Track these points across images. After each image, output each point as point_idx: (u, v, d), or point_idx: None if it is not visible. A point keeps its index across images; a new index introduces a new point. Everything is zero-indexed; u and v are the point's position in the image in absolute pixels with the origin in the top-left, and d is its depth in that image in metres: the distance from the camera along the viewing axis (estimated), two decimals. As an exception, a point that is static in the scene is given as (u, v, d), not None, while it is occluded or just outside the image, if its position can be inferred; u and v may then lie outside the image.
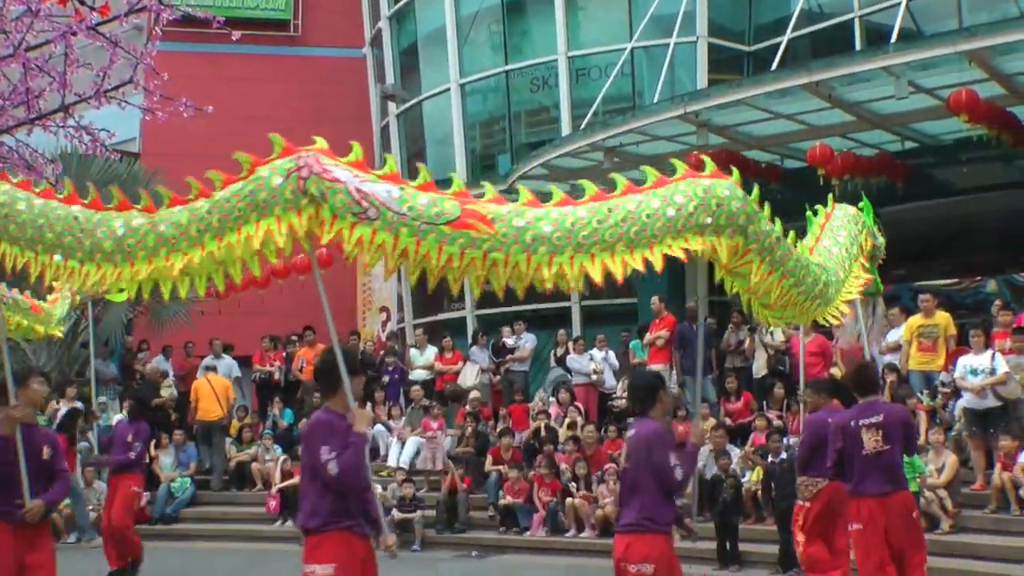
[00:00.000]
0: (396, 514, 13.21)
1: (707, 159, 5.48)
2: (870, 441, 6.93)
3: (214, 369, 16.38)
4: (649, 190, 5.17)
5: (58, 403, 15.23)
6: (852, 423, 7.06)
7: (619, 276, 5.03)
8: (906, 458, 9.96)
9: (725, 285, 5.54)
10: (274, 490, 14.54)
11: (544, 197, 5.29)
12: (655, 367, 13.96)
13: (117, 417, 15.48)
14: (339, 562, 5.36)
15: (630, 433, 6.15)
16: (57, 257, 5.64)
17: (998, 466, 10.61)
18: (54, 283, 6.38)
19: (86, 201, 5.71)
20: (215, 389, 15.85)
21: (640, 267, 5.01)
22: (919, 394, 11.96)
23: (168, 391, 16.38)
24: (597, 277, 5.00)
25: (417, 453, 15.03)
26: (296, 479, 14.26)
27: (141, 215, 5.49)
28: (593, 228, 5.03)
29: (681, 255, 5.09)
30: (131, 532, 11.07)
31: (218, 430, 15.79)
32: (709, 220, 5.08)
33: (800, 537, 8.26)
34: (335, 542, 5.41)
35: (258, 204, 5.15)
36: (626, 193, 5.17)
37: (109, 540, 11.05)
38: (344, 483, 5.28)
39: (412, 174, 5.33)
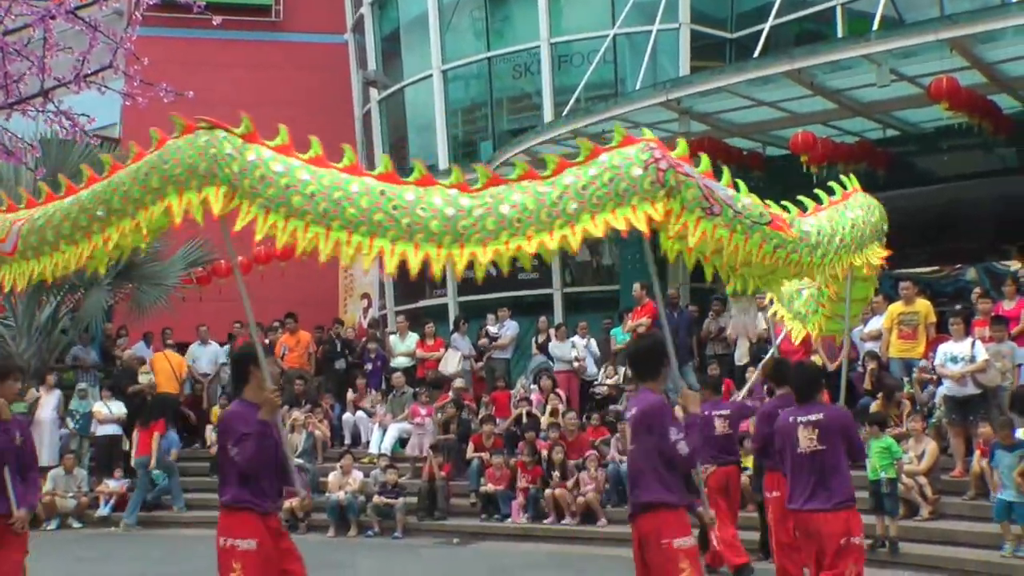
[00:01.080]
0: (377, 499, 13.22)
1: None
2: (805, 440, 6.59)
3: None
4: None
5: (38, 390, 15.15)
6: (791, 419, 6.75)
7: None
8: (883, 443, 10.11)
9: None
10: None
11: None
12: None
13: (96, 404, 15.44)
14: (258, 538, 5.59)
15: (630, 412, 5.85)
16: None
17: (977, 453, 10.69)
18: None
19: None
20: (171, 365, 16.49)
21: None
22: (902, 380, 12.07)
23: (146, 377, 16.31)
24: None
25: (399, 440, 15.03)
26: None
27: (465, 195, 5.26)
28: None
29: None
30: None
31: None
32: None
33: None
34: (250, 520, 5.63)
35: (618, 193, 5.19)
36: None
37: None
38: (246, 470, 5.56)
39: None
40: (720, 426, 9.79)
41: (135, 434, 14.91)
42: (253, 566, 5.49)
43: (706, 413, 9.44)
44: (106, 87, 7.27)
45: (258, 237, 5.34)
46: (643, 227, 5.18)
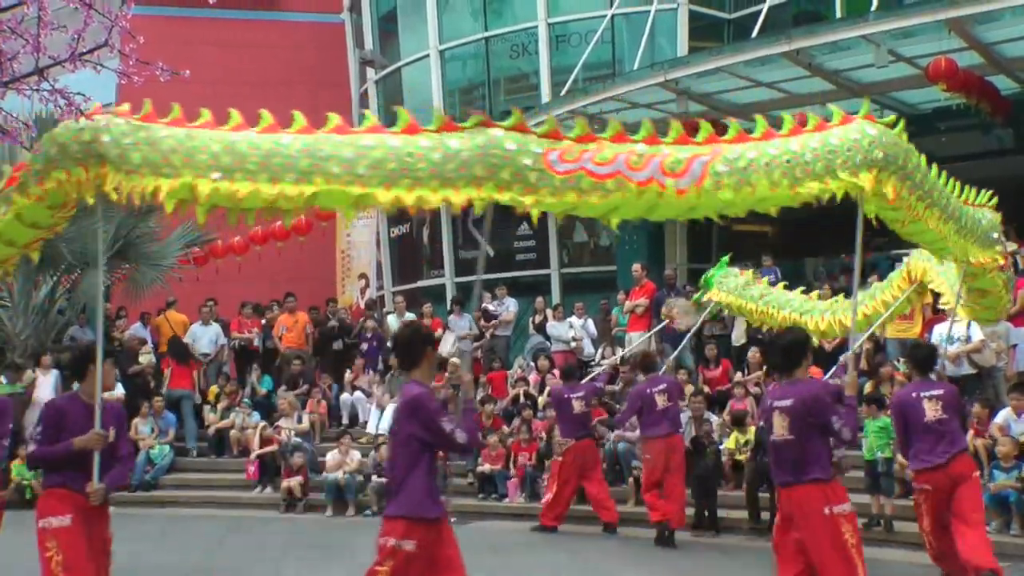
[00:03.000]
0: (377, 480, 13.26)
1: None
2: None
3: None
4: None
5: (34, 371, 15.16)
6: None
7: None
8: (880, 423, 10.18)
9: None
10: (253, 456, 14.56)
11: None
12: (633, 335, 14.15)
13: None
14: (72, 515, 5.80)
15: (784, 402, 5.94)
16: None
17: (971, 432, 10.71)
18: None
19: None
20: (172, 326, 16.93)
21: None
22: (895, 362, 12.07)
23: (147, 358, 16.32)
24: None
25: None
26: (274, 447, 14.32)
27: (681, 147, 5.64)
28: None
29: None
30: None
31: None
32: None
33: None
34: (62, 498, 5.84)
35: (833, 166, 5.84)
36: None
37: None
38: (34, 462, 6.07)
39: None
40: (577, 406, 11.36)
41: (169, 370, 16.05)
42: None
43: (564, 396, 11.44)
44: (102, 66, 7.23)
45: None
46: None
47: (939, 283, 9.17)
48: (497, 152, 5.24)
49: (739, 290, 10.76)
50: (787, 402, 5.93)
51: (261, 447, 14.51)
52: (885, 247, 15.10)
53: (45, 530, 5.74)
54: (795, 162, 5.83)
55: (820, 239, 16.17)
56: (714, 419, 12.55)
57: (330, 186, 5.18)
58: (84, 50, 6.91)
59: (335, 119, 5.39)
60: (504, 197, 5.34)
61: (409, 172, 5.16)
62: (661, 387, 10.72)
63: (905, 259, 9.76)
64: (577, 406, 11.39)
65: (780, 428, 5.93)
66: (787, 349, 6.15)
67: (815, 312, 10.01)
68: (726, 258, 11.43)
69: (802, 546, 5.85)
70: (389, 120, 5.55)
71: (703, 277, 11.52)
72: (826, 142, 5.94)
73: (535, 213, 5.58)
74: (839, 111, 6.22)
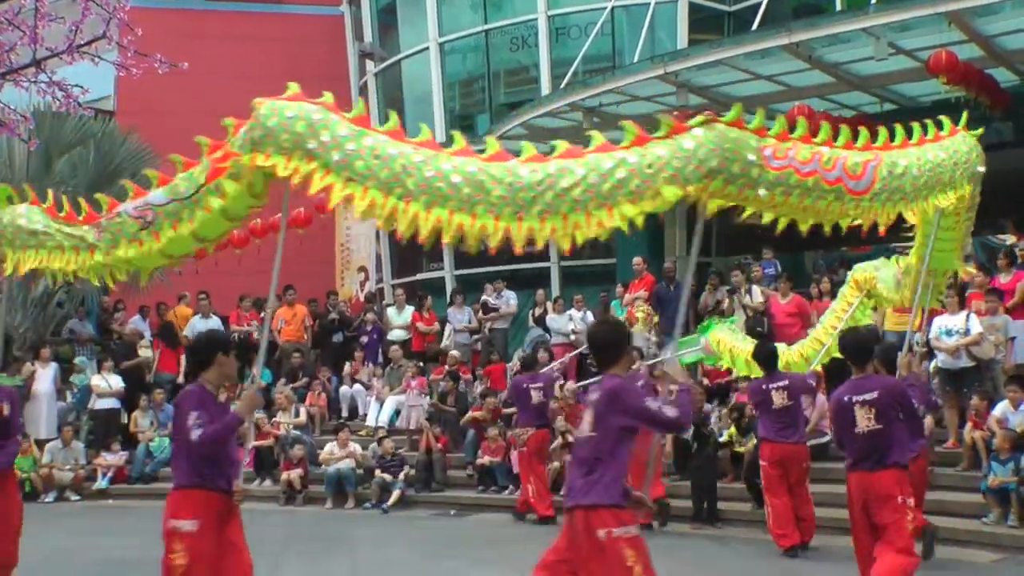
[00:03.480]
0: (379, 474, 13.29)
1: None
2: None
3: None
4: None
5: (33, 364, 15.16)
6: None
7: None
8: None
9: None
10: (248, 446, 14.57)
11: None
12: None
13: (94, 377, 15.47)
14: (205, 516, 5.51)
15: (868, 395, 6.49)
16: None
17: (969, 424, 10.73)
18: None
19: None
20: (180, 323, 16.86)
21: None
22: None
23: (146, 352, 16.35)
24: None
25: (396, 412, 15.08)
26: (270, 440, 14.34)
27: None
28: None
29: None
30: None
31: None
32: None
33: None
34: (196, 499, 5.58)
35: (954, 178, 6.27)
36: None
37: None
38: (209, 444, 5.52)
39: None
40: (535, 396, 11.80)
41: (158, 351, 16.22)
42: None
43: (523, 386, 11.95)
44: (99, 58, 7.24)
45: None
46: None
47: (882, 289, 9.67)
48: (728, 146, 5.29)
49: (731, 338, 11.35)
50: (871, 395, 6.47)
51: (257, 439, 14.54)
52: (881, 240, 15.09)
53: (174, 532, 5.40)
54: (935, 172, 6.16)
55: (820, 232, 16.13)
56: (713, 416, 12.54)
57: (578, 214, 5.09)
58: (82, 42, 6.92)
59: (563, 145, 5.26)
60: (730, 190, 5.35)
61: (652, 183, 5.17)
62: (640, 384, 10.94)
63: (850, 273, 10.38)
64: (535, 396, 11.83)
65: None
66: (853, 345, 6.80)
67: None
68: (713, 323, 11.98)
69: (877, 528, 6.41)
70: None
71: (699, 328, 12.16)
72: (951, 152, 6.37)
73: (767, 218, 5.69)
74: (948, 121, 6.66)
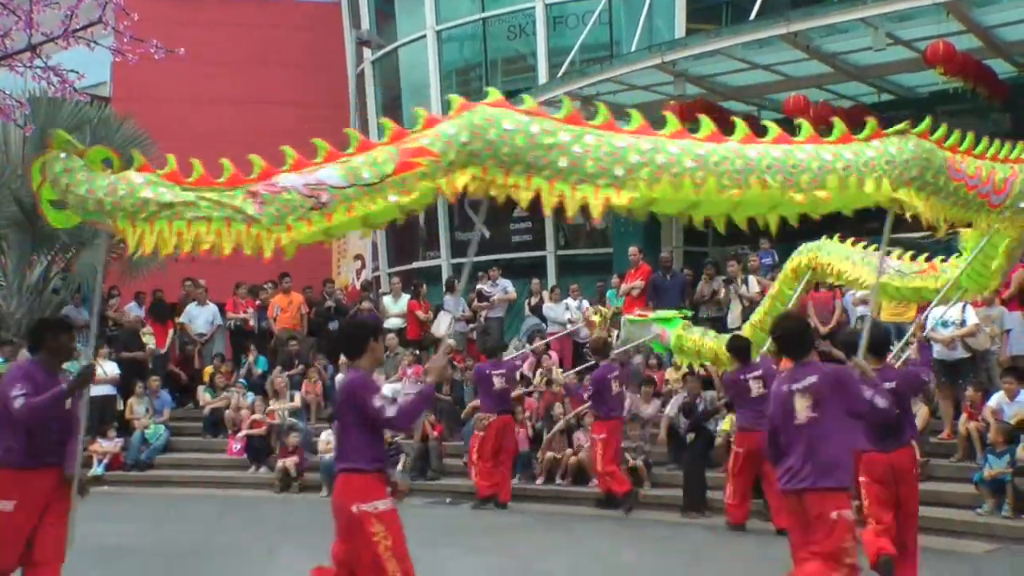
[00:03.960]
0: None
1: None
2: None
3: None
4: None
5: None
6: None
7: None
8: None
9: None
10: (241, 435, 14.61)
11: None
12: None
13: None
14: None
15: (803, 383, 5.85)
16: None
17: (964, 415, 10.75)
18: None
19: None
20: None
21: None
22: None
23: (148, 339, 16.34)
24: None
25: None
26: (263, 429, 14.35)
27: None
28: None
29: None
30: None
31: None
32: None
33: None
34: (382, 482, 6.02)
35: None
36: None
37: None
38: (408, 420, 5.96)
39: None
40: (498, 383, 12.13)
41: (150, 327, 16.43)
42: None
43: (486, 372, 12.26)
44: (95, 43, 7.21)
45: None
46: None
47: (834, 261, 9.83)
48: (924, 155, 5.72)
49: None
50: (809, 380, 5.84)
51: (251, 427, 14.55)
52: (879, 231, 15.08)
53: (370, 514, 5.74)
54: None
55: (818, 222, 16.12)
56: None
57: (765, 191, 5.34)
58: (78, 27, 6.89)
59: (743, 127, 5.49)
60: (903, 194, 5.65)
61: (863, 180, 5.55)
62: (615, 374, 11.57)
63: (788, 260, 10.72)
64: (497, 383, 12.18)
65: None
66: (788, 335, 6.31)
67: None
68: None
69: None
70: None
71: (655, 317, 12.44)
72: None
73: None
74: None
